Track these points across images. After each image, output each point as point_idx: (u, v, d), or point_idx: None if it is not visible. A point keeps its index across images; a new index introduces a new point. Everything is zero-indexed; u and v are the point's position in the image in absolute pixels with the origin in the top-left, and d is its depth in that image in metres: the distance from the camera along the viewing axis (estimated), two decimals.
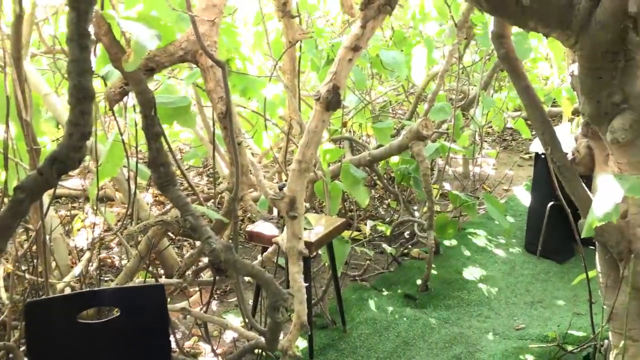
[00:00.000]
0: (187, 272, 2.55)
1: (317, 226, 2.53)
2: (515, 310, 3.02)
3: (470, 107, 4.45)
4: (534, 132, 6.59)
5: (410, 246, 3.73)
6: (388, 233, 3.43)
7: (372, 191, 4.66)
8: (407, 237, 3.85)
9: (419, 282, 3.24)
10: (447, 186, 4.99)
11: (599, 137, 1.94)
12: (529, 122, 6.63)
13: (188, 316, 2.29)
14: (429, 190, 2.99)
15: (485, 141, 6.47)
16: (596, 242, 1.93)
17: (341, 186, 2.95)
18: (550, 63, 6.39)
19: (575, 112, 5.84)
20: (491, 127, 6.23)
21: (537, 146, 3.86)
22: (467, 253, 3.71)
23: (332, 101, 1.77)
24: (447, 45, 3.50)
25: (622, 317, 1.92)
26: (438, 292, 3.17)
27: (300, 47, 3.11)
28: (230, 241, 1.74)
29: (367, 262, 3.33)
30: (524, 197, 4.86)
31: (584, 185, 1.94)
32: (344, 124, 3.97)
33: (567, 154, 2.01)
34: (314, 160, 1.95)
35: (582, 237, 1.72)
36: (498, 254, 3.74)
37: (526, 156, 6.05)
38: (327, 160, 2.94)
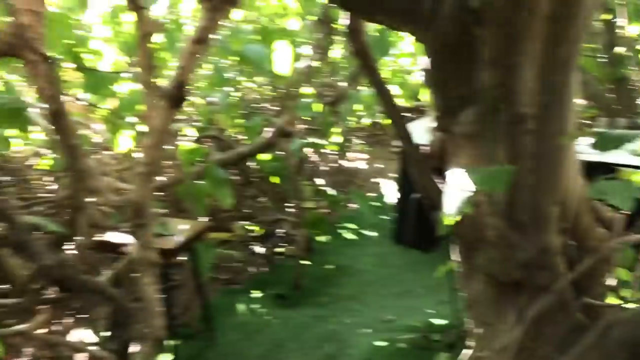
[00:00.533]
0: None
1: (179, 231, 2.38)
2: (386, 302, 3.06)
3: (339, 103, 4.48)
4: None
5: (284, 245, 3.67)
6: (260, 233, 3.34)
7: (248, 190, 4.56)
8: (282, 235, 3.79)
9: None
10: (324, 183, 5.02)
11: (451, 130, 1.97)
12: None
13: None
14: (297, 187, 2.95)
15: (358, 136, 6.61)
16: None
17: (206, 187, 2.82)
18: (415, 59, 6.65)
19: None
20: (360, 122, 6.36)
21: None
22: (339, 248, 3.72)
23: (176, 98, 1.65)
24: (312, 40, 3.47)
25: (478, 304, 1.98)
26: (311, 289, 3.14)
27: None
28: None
29: (238, 264, 3.23)
30: (394, 191, 4.99)
31: (435, 178, 1.97)
32: (211, 122, 3.83)
33: (421, 147, 2.04)
34: (175, 162, 1.81)
35: (436, 234, 1.73)
36: (369, 247, 3.80)
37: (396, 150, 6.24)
38: (189, 160, 2.79)
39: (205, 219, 2.82)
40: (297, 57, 3.69)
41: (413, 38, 1.84)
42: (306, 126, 3.98)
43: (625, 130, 1.20)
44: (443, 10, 1.64)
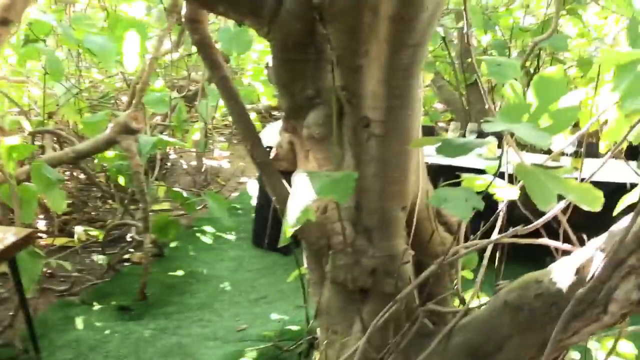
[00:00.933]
0: None
1: None
2: (239, 309, 2.92)
3: (198, 98, 4.27)
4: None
5: (132, 250, 3.40)
6: (101, 238, 3.05)
7: (90, 191, 4.20)
8: (129, 240, 3.51)
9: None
10: (179, 183, 4.76)
11: (299, 132, 1.87)
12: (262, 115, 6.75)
13: None
14: (142, 189, 2.71)
15: (222, 134, 6.40)
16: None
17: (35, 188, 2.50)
18: None
19: None
20: (225, 118, 6.17)
21: (264, 138, 3.82)
22: (193, 253, 3.52)
23: None
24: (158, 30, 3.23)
25: (327, 311, 1.91)
26: (157, 299, 2.91)
27: None
28: None
29: (76, 274, 2.92)
30: (255, 191, 4.87)
31: (283, 182, 1.86)
32: (50, 115, 3.45)
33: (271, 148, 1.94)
34: None
35: (280, 244, 1.61)
36: (226, 250, 3.63)
37: None
38: (14, 158, 2.45)
39: (33, 225, 2.50)
40: (146, 49, 3.44)
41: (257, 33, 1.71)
42: (159, 122, 3.72)
43: (468, 139, 1.17)
44: (288, 4, 1.53)
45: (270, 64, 1.82)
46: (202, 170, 4.99)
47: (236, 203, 4.56)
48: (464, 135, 3.81)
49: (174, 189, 3.26)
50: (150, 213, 2.87)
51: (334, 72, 1.57)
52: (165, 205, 4.22)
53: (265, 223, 3.72)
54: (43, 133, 3.17)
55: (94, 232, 3.26)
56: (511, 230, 1.36)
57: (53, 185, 2.47)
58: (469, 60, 4.46)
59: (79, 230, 2.97)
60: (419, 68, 1.47)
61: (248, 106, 5.14)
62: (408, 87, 1.48)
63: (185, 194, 3.21)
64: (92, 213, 3.93)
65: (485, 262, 1.62)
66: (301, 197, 1.49)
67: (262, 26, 1.61)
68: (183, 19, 1.96)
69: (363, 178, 1.61)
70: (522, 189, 1.18)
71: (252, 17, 1.60)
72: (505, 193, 1.51)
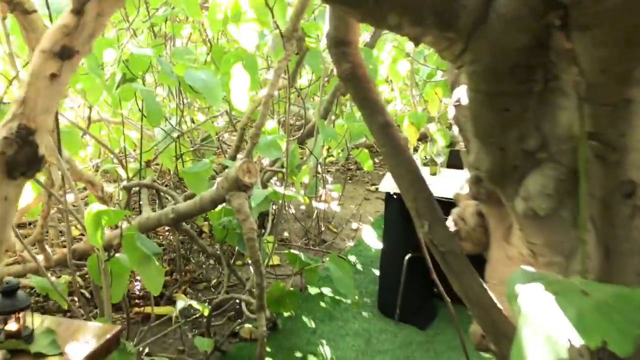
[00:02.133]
0: None
1: (68, 345, 1.57)
2: None
3: (308, 138, 3.75)
4: (381, 163, 6.12)
5: (239, 324, 2.86)
6: (206, 313, 2.53)
7: (191, 253, 3.75)
8: (237, 308, 2.98)
9: None
10: (290, 231, 4.24)
11: (497, 200, 1.22)
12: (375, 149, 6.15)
13: None
14: (256, 259, 2.16)
15: (329, 171, 5.88)
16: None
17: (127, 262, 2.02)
18: (391, 86, 5.98)
19: (423, 138, 5.46)
20: (332, 156, 5.64)
21: (388, 183, 3.23)
22: (311, 324, 2.93)
23: (17, 159, 0.87)
24: (273, 61, 2.74)
25: None
26: None
27: None
28: None
29: (174, 357, 2.41)
30: (373, 240, 4.25)
31: (481, 282, 1.21)
32: (148, 163, 3.02)
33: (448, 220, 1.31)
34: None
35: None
36: (349, 321, 3.01)
37: (372, 188, 5.51)
38: (102, 225, 1.99)
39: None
40: (257, 84, 2.94)
41: (438, 52, 1.09)
42: (267, 168, 3.21)
43: None
44: (501, 6, 0.92)
45: (462, 101, 1.21)
46: (313, 216, 4.45)
47: (352, 253, 3.96)
48: None
49: (291, 250, 2.69)
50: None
51: (578, 110, 0.92)
52: (275, 260, 3.70)
53: (393, 287, 3.09)
54: (140, 187, 2.74)
55: (197, 303, 2.75)
56: None
57: (149, 260, 1.98)
58: None
59: (180, 305, 2.48)
60: None
61: (359, 141, 4.57)
62: None
63: (302, 256, 2.63)
64: (195, 273, 3.46)
65: None
66: (546, 330, 0.81)
67: (454, 43, 0.98)
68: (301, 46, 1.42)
69: (619, 279, 0.97)
70: None
71: (440, 29, 0.97)
72: None
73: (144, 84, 3.90)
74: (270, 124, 3.04)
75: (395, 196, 3.18)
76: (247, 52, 2.78)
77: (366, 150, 4.47)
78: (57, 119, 2.02)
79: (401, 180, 1.24)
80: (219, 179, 2.22)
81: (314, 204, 4.60)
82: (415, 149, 5.98)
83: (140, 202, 2.83)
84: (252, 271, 2.29)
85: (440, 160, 3.44)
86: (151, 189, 2.75)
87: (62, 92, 0.87)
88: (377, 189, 5.47)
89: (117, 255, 2.08)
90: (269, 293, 2.53)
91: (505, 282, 0.82)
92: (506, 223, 1.25)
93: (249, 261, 2.80)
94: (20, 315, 1.51)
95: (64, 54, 0.85)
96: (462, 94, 1.18)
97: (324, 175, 4.14)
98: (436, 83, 5.22)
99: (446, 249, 1.20)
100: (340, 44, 1.24)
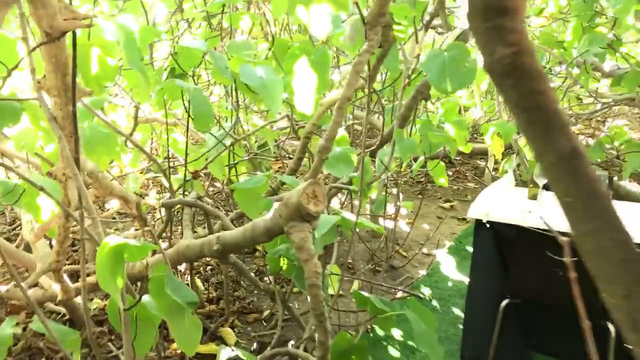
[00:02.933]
0: None
1: None
2: None
3: (380, 148, 3.22)
4: (471, 185, 5.49)
5: None
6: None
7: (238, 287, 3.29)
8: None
9: None
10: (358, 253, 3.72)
11: None
12: (449, 161, 5.51)
13: None
14: (320, 313, 1.65)
15: (396, 183, 5.31)
16: None
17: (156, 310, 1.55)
18: (470, 90, 5.37)
19: (508, 149, 4.83)
20: (401, 168, 5.08)
21: (479, 208, 2.66)
22: None
23: None
24: (350, 55, 2.22)
25: None
26: None
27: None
28: None
29: None
30: (451, 269, 3.67)
31: None
32: (195, 174, 2.57)
33: None
34: None
35: None
36: None
37: (446, 205, 4.92)
38: (122, 264, 1.52)
39: None
40: (327, 84, 2.42)
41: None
42: (334, 184, 2.70)
43: None
44: None
45: None
46: (381, 237, 3.91)
47: (426, 285, 3.41)
48: None
49: (360, 292, 2.17)
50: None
51: None
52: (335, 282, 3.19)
53: (482, 336, 2.52)
54: (182, 205, 2.28)
55: (243, 354, 2.27)
56: None
57: (182, 310, 1.51)
58: None
59: (224, 356, 2.00)
60: None
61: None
62: None
63: (376, 301, 2.11)
64: (245, 300, 3.00)
65: None
66: None
67: None
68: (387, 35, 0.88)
69: None
70: None
71: None
72: None
73: (195, 82, 3.48)
74: (338, 132, 2.53)
75: (487, 225, 2.61)
76: (314, 46, 2.29)
77: (442, 163, 3.89)
78: (74, 122, 1.58)
79: (601, 258, 0.70)
80: (276, 204, 1.72)
81: (381, 222, 4.07)
82: (496, 169, 5.35)
83: (184, 221, 2.38)
84: (313, 324, 1.78)
85: (543, 181, 2.83)
86: (195, 207, 2.29)
87: None
88: (452, 206, 4.87)
89: (145, 298, 1.61)
90: (333, 345, 2.02)
91: None
92: None
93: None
94: None
95: None
96: None
97: (399, 192, 3.59)
98: None
99: None
100: (495, 14, 0.72)
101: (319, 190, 1.68)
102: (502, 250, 2.60)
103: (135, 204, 2.08)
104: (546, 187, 2.91)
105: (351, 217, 2.10)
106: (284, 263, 2.27)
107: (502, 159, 4.81)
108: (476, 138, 6.27)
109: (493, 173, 5.26)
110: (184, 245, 1.92)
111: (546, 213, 2.70)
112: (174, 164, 2.75)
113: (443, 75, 2.36)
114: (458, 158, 5.99)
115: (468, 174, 5.70)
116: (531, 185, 2.91)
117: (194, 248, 1.89)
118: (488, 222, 2.60)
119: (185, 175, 2.29)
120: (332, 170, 2.27)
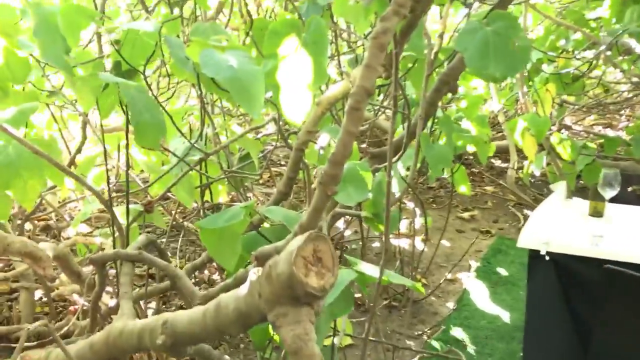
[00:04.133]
0: None
1: None
2: None
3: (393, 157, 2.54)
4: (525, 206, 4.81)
5: None
6: None
7: None
8: None
9: None
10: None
11: None
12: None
13: None
14: None
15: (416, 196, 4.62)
16: None
17: None
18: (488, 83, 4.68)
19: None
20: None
21: (533, 234, 2.01)
22: None
23: None
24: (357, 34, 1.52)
25: None
26: None
27: None
28: None
29: None
30: (482, 298, 3.00)
31: None
32: (148, 207, 1.88)
33: None
34: None
35: None
36: None
37: (465, 214, 4.23)
38: None
39: None
40: (324, 77, 1.71)
41: None
42: (346, 211, 2.02)
43: None
44: None
45: None
46: (393, 254, 3.25)
47: (456, 324, 2.73)
48: None
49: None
50: None
51: None
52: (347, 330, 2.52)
53: None
54: (119, 260, 1.56)
55: None
56: None
57: None
58: None
59: None
60: None
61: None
62: None
63: None
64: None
65: None
66: None
67: None
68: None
69: None
70: None
71: None
72: None
73: (157, 82, 2.80)
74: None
75: (547, 257, 1.94)
76: (297, 21, 1.61)
77: (463, 167, 3.23)
78: None
79: None
80: (252, 273, 1.04)
81: (395, 242, 3.40)
82: (519, 165, 4.67)
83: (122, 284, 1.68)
84: None
85: (612, 193, 2.15)
86: (138, 262, 1.59)
87: None
88: (472, 216, 4.19)
89: None
90: None
91: None
92: None
93: None
94: None
95: None
96: None
97: (415, 208, 2.93)
98: (546, 77, 3.94)
99: None
100: None
101: (324, 248, 1.00)
102: (571, 292, 1.94)
103: (46, 263, 1.38)
104: (614, 200, 2.25)
105: (372, 269, 1.43)
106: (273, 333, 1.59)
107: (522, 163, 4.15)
108: (492, 134, 5.60)
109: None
110: (117, 331, 1.23)
111: (619, 236, 2.05)
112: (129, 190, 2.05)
113: (486, 55, 1.71)
114: (470, 157, 5.31)
115: (484, 176, 5.03)
116: (595, 201, 2.24)
117: (129, 337, 1.20)
118: (548, 253, 1.94)
119: (127, 211, 1.60)
120: (340, 197, 1.59)
